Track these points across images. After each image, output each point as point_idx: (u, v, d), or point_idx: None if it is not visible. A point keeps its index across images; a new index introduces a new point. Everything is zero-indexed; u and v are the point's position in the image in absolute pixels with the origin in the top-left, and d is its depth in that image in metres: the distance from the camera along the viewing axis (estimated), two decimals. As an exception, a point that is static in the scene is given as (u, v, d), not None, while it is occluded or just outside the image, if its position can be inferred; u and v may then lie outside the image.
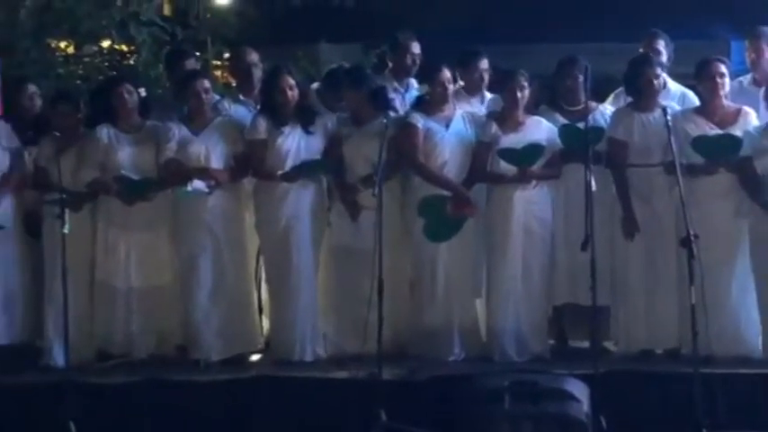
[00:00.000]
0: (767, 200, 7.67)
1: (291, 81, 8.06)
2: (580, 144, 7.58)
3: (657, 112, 7.72)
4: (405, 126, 8.05)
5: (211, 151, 8.05)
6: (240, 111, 8.42)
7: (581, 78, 7.88)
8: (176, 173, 8.01)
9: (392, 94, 8.39)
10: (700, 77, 7.93)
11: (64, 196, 7.55)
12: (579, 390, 7.14)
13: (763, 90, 8.20)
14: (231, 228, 8.09)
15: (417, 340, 8.06)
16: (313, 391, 7.61)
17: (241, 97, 8.56)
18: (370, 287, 7.25)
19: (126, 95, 8.16)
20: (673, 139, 7.35)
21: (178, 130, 8.07)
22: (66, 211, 7.44)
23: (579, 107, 7.89)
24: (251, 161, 8.10)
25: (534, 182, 7.97)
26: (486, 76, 8.48)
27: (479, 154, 8.03)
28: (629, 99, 8.11)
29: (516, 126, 8.01)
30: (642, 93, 7.96)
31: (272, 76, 8.15)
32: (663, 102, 7.92)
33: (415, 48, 8.65)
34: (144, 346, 8.11)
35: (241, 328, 8.12)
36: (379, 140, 7.60)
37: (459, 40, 8.72)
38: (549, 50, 9.32)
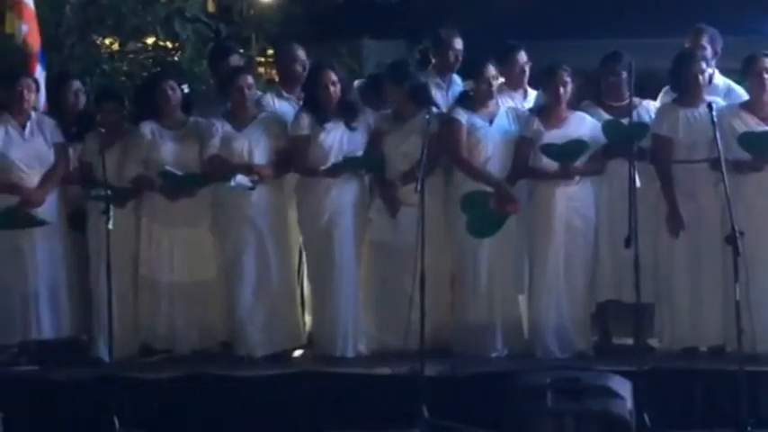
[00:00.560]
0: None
1: (334, 77, 8.07)
2: (624, 140, 7.56)
3: (703, 108, 7.67)
4: (448, 122, 8.04)
5: (254, 147, 8.07)
6: (283, 106, 8.44)
7: (625, 74, 7.85)
8: (220, 169, 8.04)
9: (435, 91, 8.39)
10: (747, 73, 7.88)
11: (109, 192, 7.60)
12: (622, 387, 7.10)
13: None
14: (274, 223, 8.11)
15: (459, 336, 8.05)
16: (355, 387, 7.62)
17: (284, 93, 8.58)
18: (410, 283, 7.25)
19: (170, 92, 8.20)
20: (718, 134, 7.30)
21: (221, 127, 8.10)
22: (111, 206, 7.49)
23: (623, 103, 7.86)
24: (294, 157, 8.11)
25: (577, 178, 7.94)
26: (527, 69, 8.45)
27: (522, 150, 8.01)
28: (675, 95, 8.07)
29: (559, 122, 7.99)
30: (687, 88, 7.91)
31: (315, 72, 8.16)
32: (708, 97, 7.87)
33: (458, 44, 8.63)
34: (187, 342, 8.15)
35: (284, 323, 8.14)
36: (420, 137, 7.61)
37: (502, 35, 8.67)
38: (592, 46, 9.27)
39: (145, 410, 7.52)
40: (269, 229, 8.07)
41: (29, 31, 9.14)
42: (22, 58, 9.01)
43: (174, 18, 10.85)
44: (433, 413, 7.07)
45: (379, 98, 8.39)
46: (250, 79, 8.21)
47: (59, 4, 10.30)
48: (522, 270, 8.07)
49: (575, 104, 8.07)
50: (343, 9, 12.88)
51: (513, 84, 8.46)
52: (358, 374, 7.69)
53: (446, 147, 8.01)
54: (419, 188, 7.27)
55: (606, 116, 8.00)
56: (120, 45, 11.08)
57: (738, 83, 8.27)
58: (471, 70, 8.19)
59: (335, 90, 8.06)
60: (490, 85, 8.05)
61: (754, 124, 7.78)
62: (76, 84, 8.71)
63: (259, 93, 8.51)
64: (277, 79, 9.02)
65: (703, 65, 7.96)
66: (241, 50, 9.38)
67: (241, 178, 7.93)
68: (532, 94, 8.53)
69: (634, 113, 7.65)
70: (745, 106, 7.91)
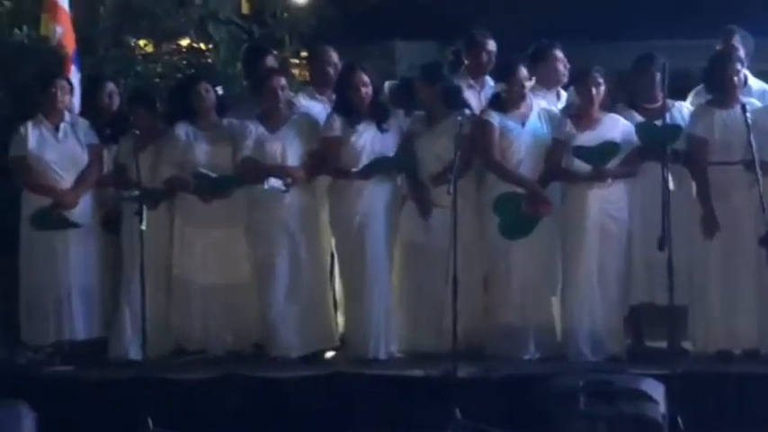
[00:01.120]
0: None
1: (366, 78, 8.08)
2: (657, 142, 7.53)
3: (737, 109, 7.63)
4: (481, 123, 8.03)
5: (288, 149, 8.09)
6: (315, 107, 8.45)
7: (658, 76, 7.82)
8: (253, 171, 8.06)
9: (467, 92, 8.38)
10: (781, 75, 7.85)
11: (142, 193, 7.63)
12: (655, 390, 7.08)
13: None
14: (307, 225, 8.12)
15: (492, 339, 8.03)
16: (388, 388, 7.62)
17: (316, 95, 8.59)
18: (443, 285, 7.25)
19: (204, 93, 8.24)
20: (753, 136, 7.26)
21: (255, 129, 8.12)
22: (145, 207, 7.53)
23: (656, 105, 7.83)
24: (326, 159, 8.13)
25: (610, 180, 7.91)
26: (562, 68, 8.42)
27: (554, 152, 7.99)
28: (709, 96, 8.03)
29: (592, 124, 7.96)
30: (722, 89, 7.87)
31: (347, 74, 8.17)
32: (743, 98, 7.84)
33: (491, 45, 8.62)
34: (220, 343, 8.17)
35: (317, 325, 8.15)
36: (452, 139, 7.60)
37: (535, 37, 8.66)
38: (625, 48, 9.24)
39: (179, 411, 7.54)
40: (301, 231, 8.08)
41: (63, 32, 9.19)
42: (56, 59, 9.07)
43: (208, 20, 10.88)
44: (466, 415, 7.07)
45: (409, 100, 8.39)
46: (283, 81, 8.23)
47: (94, 6, 10.34)
48: (554, 272, 8.04)
49: (607, 106, 8.05)
50: (375, 10, 12.89)
51: (547, 82, 8.43)
52: (391, 376, 7.69)
53: (478, 149, 8.00)
54: (452, 190, 7.27)
55: (639, 118, 7.97)
56: (154, 47, 11.11)
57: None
58: (504, 72, 8.18)
59: (367, 91, 8.07)
60: (523, 86, 8.04)
61: (789, 126, 7.74)
62: (110, 85, 8.75)
63: (291, 94, 8.53)
64: (309, 81, 9.04)
65: (738, 66, 7.93)
66: (275, 52, 9.38)
67: (274, 181, 7.96)
68: (564, 94, 8.52)
69: (667, 115, 7.63)
70: (779, 108, 7.88)
